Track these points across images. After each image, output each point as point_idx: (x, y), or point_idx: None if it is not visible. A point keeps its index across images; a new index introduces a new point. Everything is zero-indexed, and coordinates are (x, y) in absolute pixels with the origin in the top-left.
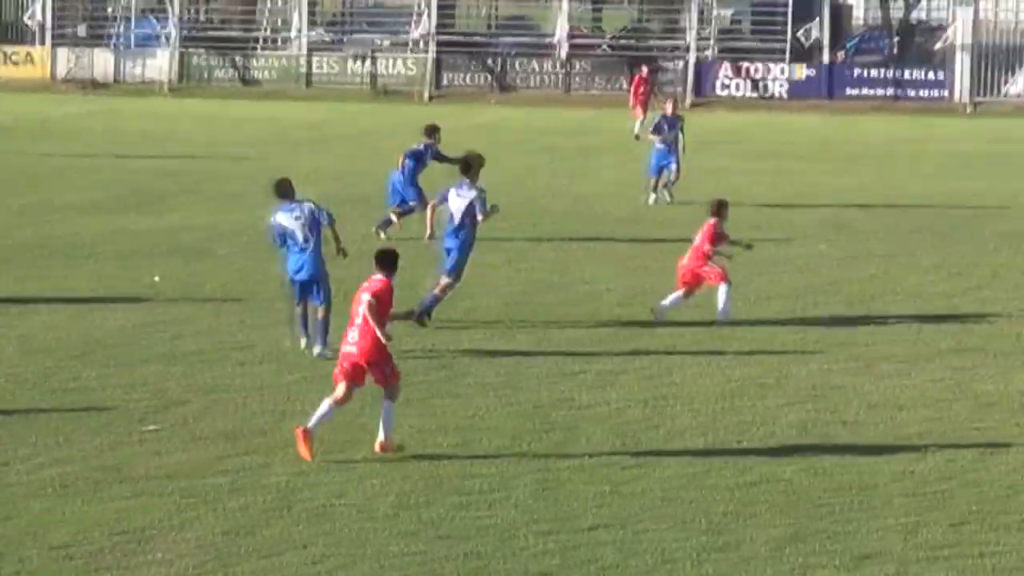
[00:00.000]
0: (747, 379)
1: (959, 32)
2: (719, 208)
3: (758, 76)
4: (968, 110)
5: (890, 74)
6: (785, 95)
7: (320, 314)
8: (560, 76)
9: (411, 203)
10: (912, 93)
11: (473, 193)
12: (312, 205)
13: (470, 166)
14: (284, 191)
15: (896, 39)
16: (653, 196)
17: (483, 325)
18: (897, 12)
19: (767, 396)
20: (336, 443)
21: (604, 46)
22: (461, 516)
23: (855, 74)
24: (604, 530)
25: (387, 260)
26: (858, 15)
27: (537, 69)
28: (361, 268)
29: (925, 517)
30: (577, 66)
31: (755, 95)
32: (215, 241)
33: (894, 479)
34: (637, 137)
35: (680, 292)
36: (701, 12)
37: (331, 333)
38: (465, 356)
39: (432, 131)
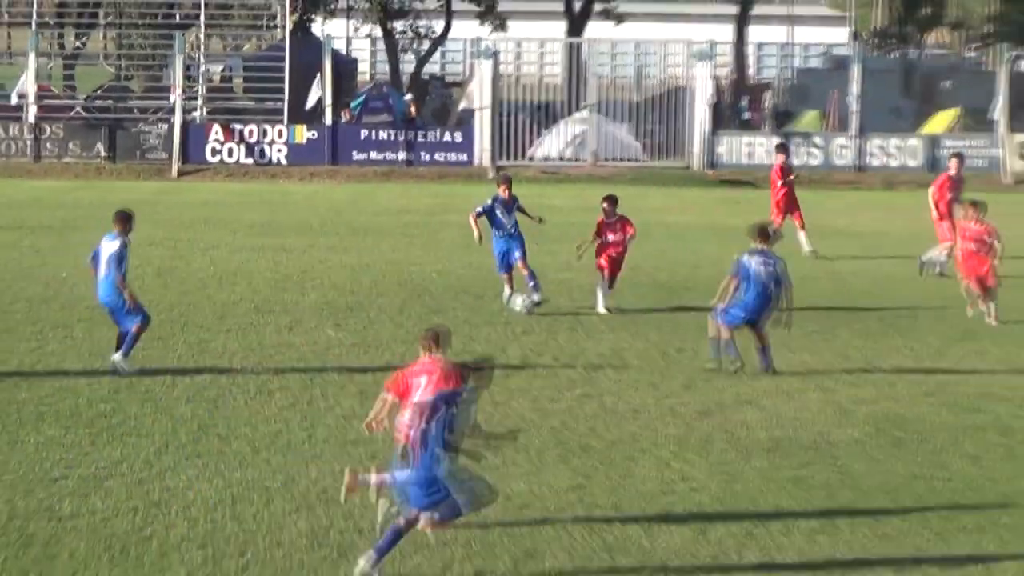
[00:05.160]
0: (251, 482)
1: (480, 89)
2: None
3: (254, 140)
4: (491, 175)
5: (403, 136)
6: (285, 160)
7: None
8: (29, 142)
9: None
10: (428, 157)
11: None
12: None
13: None
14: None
15: (412, 97)
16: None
17: None
18: (408, 66)
19: (273, 501)
20: None
21: (79, 108)
22: None
23: (363, 136)
24: None
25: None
26: (363, 70)
27: (2, 134)
28: None
29: None
30: (48, 130)
31: (251, 160)
32: None
33: None
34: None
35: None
36: (187, 68)
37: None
38: None
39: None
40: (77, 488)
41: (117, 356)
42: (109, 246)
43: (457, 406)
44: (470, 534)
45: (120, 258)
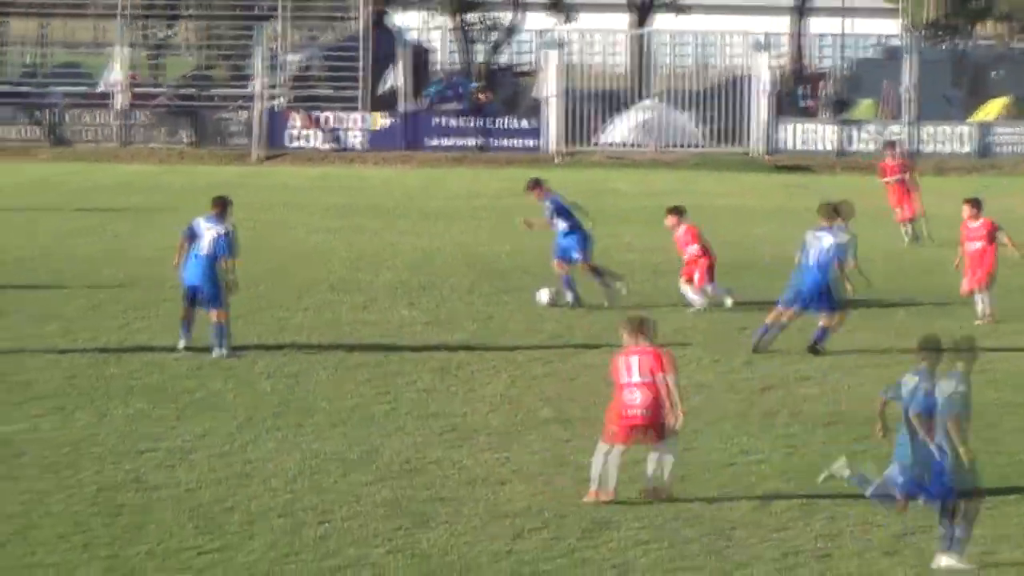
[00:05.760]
0: (330, 454)
1: (549, 78)
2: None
3: (332, 126)
4: (558, 160)
5: (474, 123)
6: (361, 146)
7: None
8: (116, 128)
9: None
10: (498, 143)
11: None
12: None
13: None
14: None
15: (480, 85)
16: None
17: (38, 400)
18: (479, 56)
19: (352, 472)
20: None
21: (164, 96)
22: None
23: (436, 123)
24: None
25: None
26: (436, 60)
27: (92, 121)
28: None
29: None
30: (135, 117)
31: (329, 146)
32: None
33: (495, 559)
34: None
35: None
36: (268, 58)
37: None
38: (20, 434)
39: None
40: (164, 460)
41: (220, 352)
42: (212, 229)
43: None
44: (544, 504)
45: (231, 242)
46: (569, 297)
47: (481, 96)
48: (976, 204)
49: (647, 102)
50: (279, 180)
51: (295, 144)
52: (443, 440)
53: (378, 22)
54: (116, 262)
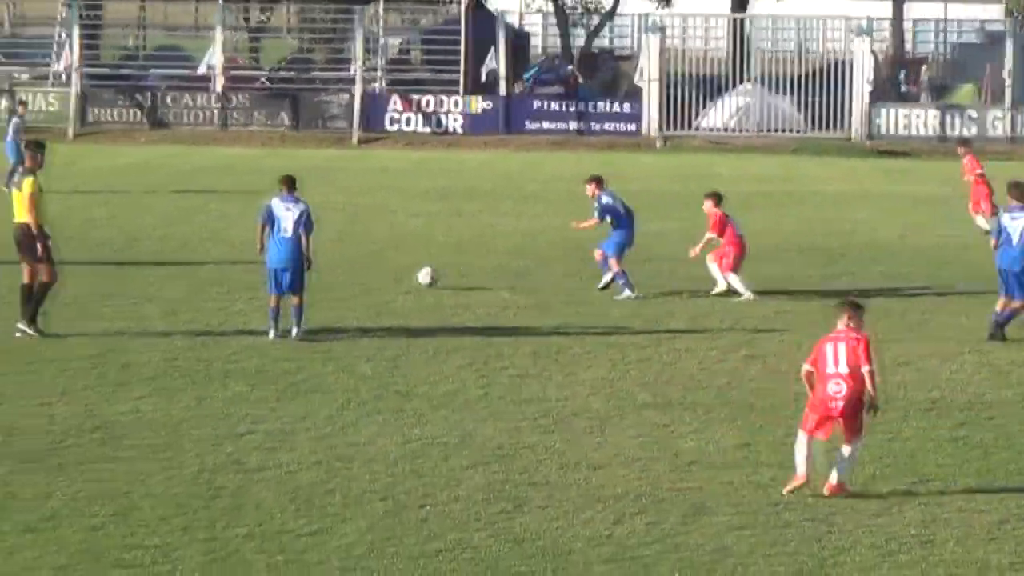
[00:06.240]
0: (429, 438)
1: (648, 62)
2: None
3: (431, 109)
4: (659, 144)
5: (574, 107)
6: (460, 129)
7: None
8: (216, 111)
9: None
10: (598, 127)
11: None
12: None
13: None
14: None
15: (579, 69)
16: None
17: (139, 382)
18: (578, 40)
19: (451, 456)
20: None
21: (264, 79)
22: None
23: (535, 106)
24: None
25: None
26: (535, 44)
27: (191, 103)
28: None
29: None
30: (235, 100)
31: (428, 129)
32: None
33: (593, 544)
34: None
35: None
36: (367, 41)
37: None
38: (121, 416)
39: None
40: (263, 442)
41: (297, 333)
42: (292, 210)
43: None
44: (641, 488)
45: (311, 222)
46: (628, 291)
47: (574, 78)
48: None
49: (747, 87)
50: (378, 163)
51: (394, 127)
52: (538, 425)
53: (478, 5)
54: (218, 244)
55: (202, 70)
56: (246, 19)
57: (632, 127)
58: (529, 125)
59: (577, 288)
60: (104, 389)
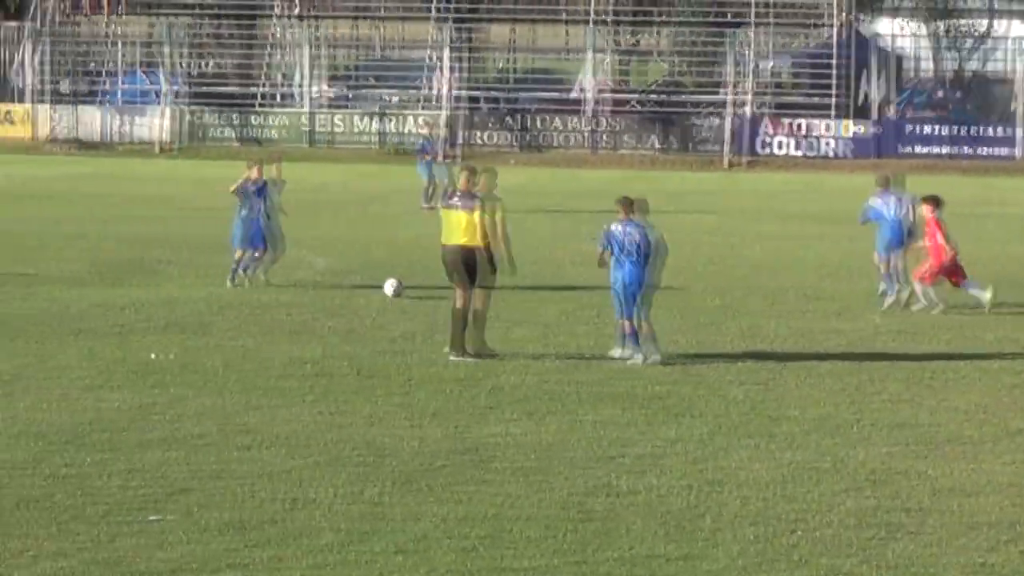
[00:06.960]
0: (801, 463)
1: (1023, 85)
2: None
3: (803, 133)
4: None
5: (947, 131)
6: (833, 153)
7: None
8: (587, 134)
9: None
10: (971, 151)
11: None
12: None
13: None
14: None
15: (955, 93)
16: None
17: (510, 404)
18: (951, 64)
19: (823, 482)
20: (354, 532)
21: (634, 102)
22: None
23: (908, 130)
24: None
25: None
26: (908, 67)
27: (562, 126)
28: None
29: None
30: (605, 123)
31: (800, 153)
32: (215, 315)
33: (967, 572)
34: None
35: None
36: (738, 64)
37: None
38: (492, 438)
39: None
40: (633, 466)
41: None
42: (634, 233)
43: None
44: (1018, 516)
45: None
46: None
47: (947, 103)
48: None
49: None
50: (750, 186)
51: (765, 151)
52: (911, 450)
53: (851, 28)
54: (588, 268)
55: (575, 93)
56: (616, 42)
57: (1006, 151)
58: (902, 149)
59: (952, 312)
60: (475, 411)
